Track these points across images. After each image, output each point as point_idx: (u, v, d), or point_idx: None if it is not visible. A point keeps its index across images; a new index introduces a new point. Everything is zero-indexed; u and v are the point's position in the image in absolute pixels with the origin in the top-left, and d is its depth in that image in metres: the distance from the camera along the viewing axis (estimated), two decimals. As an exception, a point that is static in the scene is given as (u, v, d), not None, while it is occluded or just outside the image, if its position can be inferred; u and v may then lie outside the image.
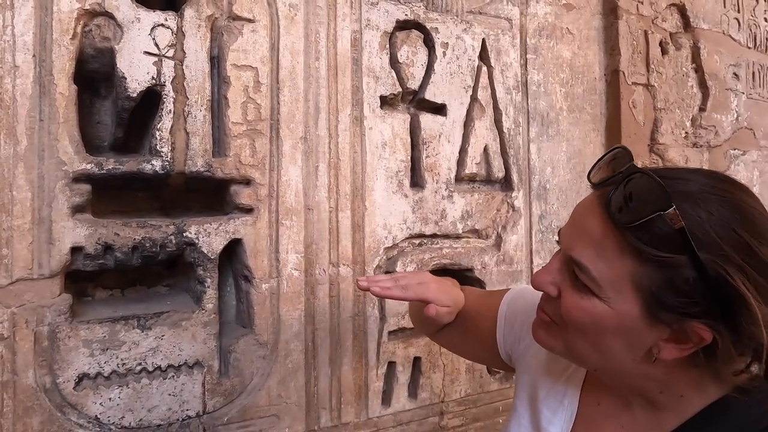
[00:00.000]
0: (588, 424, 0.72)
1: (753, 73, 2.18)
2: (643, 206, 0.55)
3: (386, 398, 1.35)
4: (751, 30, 2.18)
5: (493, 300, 0.93)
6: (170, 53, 1.10)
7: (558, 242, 0.67)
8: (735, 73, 2.09)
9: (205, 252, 1.14)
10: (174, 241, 1.11)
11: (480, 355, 1.02)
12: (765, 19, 2.24)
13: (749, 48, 2.17)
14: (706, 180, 0.59)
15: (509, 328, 0.88)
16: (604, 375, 0.69)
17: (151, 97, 1.09)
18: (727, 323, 0.55)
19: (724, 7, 2.08)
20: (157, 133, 1.09)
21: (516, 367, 0.88)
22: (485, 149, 1.51)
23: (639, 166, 0.60)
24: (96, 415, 1.03)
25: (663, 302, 0.56)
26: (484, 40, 1.51)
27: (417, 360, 1.40)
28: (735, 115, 2.08)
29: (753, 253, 0.54)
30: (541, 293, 0.69)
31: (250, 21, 1.18)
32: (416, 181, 1.42)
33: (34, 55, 0.98)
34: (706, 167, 1.96)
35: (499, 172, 1.54)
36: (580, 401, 0.73)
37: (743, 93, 2.12)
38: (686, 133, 1.93)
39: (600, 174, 0.64)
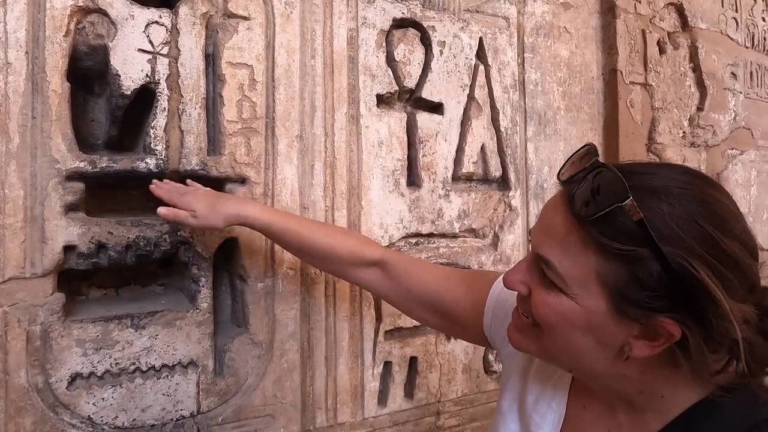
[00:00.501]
0: (575, 427, 0.71)
1: (751, 72, 2.18)
2: (604, 200, 0.55)
3: (382, 398, 1.35)
4: (749, 30, 2.18)
5: (481, 282, 0.92)
6: (165, 51, 1.09)
7: (530, 241, 0.67)
8: (733, 73, 2.08)
9: (200, 251, 1.13)
10: (168, 240, 1.10)
11: (462, 334, 1.04)
12: (763, 19, 2.24)
13: (747, 47, 2.17)
14: (673, 175, 0.59)
15: (497, 324, 0.86)
16: (581, 376, 0.69)
17: (146, 94, 1.08)
18: (695, 318, 0.54)
19: (722, 6, 2.08)
20: (152, 131, 1.08)
21: (502, 364, 0.88)
22: (482, 148, 1.51)
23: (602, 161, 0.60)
24: (89, 415, 1.02)
25: (629, 297, 0.56)
26: (481, 39, 1.50)
27: (413, 360, 1.39)
28: (733, 115, 2.08)
29: (717, 245, 0.54)
30: None
31: (245, 18, 1.17)
32: (413, 180, 1.41)
33: (26, 52, 0.98)
34: (703, 167, 1.96)
35: (496, 171, 1.53)
36: (568, 405, 0.73)
37: (741, 92, 2.12)
38: (684, 132, 1.93)
39: (569, 172, 0.65)
